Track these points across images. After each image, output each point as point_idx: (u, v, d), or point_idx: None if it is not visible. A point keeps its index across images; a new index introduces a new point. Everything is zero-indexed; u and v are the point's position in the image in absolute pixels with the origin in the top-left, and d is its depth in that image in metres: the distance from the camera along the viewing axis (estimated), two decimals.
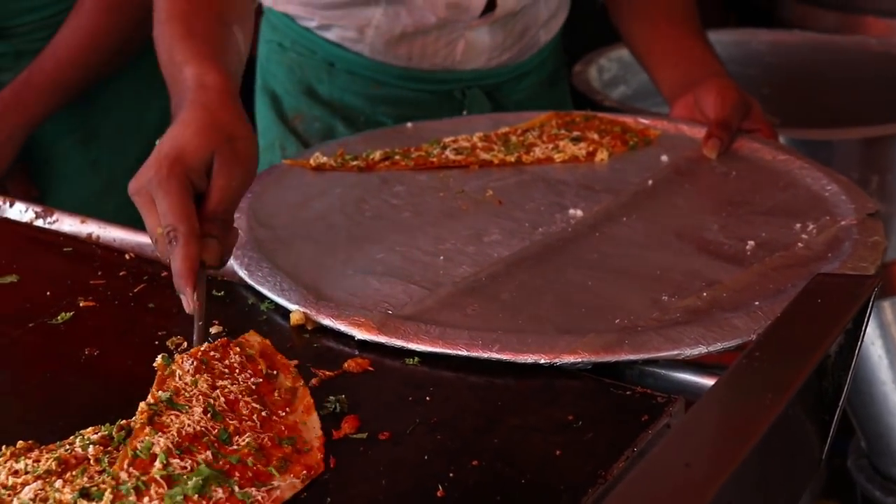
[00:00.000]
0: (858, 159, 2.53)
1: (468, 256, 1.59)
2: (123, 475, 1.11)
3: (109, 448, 1.19)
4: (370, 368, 1.35)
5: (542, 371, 1.32)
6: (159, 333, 1.43)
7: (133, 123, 2.59)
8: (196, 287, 1.38)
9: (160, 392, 1.24)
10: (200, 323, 1.39)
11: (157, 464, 1.12)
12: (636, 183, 1.84)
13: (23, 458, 1.18)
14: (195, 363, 1.28)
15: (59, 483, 1.13)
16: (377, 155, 1.92)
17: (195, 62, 1.58)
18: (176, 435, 1.16)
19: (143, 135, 2.60)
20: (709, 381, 1.30)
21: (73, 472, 1.15)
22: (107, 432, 1.21)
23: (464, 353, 1.34)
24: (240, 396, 1.25)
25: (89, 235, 1.72)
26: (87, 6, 2.40)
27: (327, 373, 1.34)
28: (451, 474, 1.15)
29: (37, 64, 2.38)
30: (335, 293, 1.49)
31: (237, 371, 1.29)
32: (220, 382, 1.26)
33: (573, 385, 1.30)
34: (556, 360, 1.32)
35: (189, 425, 1.18)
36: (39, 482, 1.14)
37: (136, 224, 1.54)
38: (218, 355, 1.31)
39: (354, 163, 1.90)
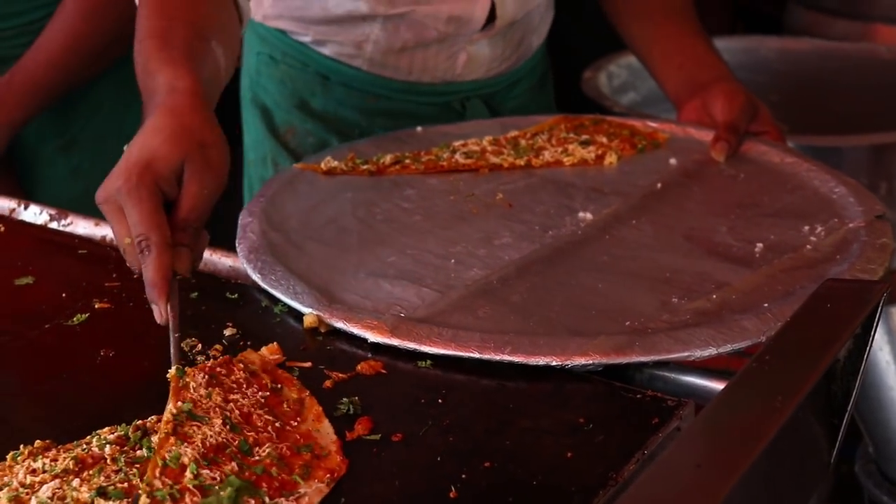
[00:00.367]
0: (867, 166, 2.54)
1: (479, 259, 1.60)
2: (157, 483, 1.12)
3: (126, 448, 1.21)
4: (383, 371, 1.36)
5: (553, 374, 1.33)
6: (175, 336, 1.44)
7: (114, 131, 2.59)
8: (168, 298, 1.37)
9: (181, 403, 1.24)
10: (177, 335, 1.38)
11: (188, 474, 1.13)
12: (645, 186, 1.85)
13: (40, 457, 1.19)
14: (206, 377, 1.29)
15: (76, 482, 1.15)
16: (387, 159, 1.93)
17: (168, 69, 1.56)
18: (201, 446, 1.17)
19: (124, 142, 2.58)
20: (717, 385, 1.31)
21: (91, 472, 1.17)
22: (123, 432, 1.23)
23: (476, 355, 1.35)
24: (252, 409, 1.26)
25: (104, 238, 1.74)
26: (68, 10, 2.41)
27: (340, 375, 1.35)
28: (463, 476, 1.16)
29: (18, 66, 2.39)
30: (348, 296, 1.50)
31: (244, 386, 1.30)
32: (231, 396, 1.27)
33: (584, 388, 1.31)
34: (568, 362, 1.33)
35: (211, 436, 1.19)
36: (57, 481, 1.15)
37: None
38: (224, 371, 1.32)
39: (365, 167, 1.91)
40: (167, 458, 1.15)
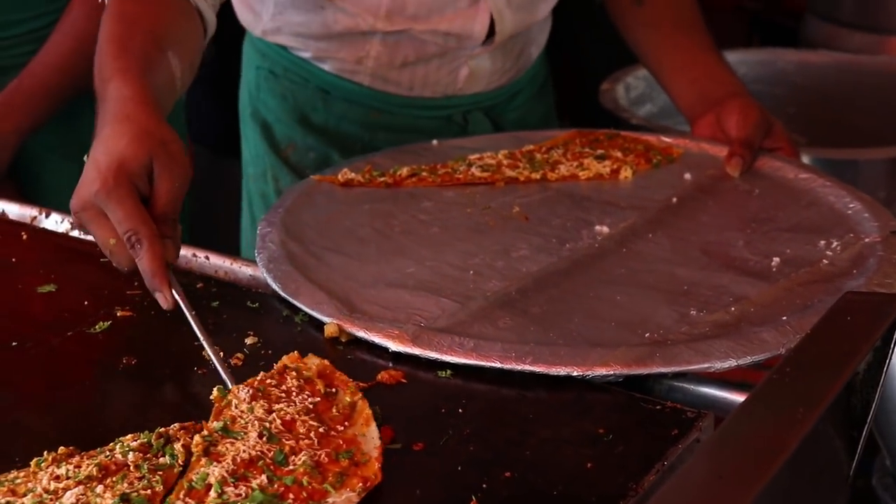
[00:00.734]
0: (885, 179, 2.54)
1: (497, 271, 1.61)
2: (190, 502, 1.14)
3: (148, 455, 1.21)
4: (403, 380, 1.37)
5: (574, 385, 1.34)
6: (195, 343, 1.45)
7: None
8: (171, 283, 1.44)
9: (214, 423, 1.26)
10: (193, 312, 1.43)
11: (212, 493, 1.14)
12: (660, 200, 1.85)
13: (64, 463, 1.20)
14: (251, 391, 1.30)
15: (99, 488, 1.16)
16: (404, 171, 1.94)
17: (119, 77, 1.60)
18: (231, 463, 1.18)
19: None
20: (736, 397, 1.32)
21: (114, 478, 1.17)
22: (146, 439, 1.24)
23: (497, 364, 1.36)
24: (297, 416, 1.26)
25: None
26: (75, 13, 2.41)
27: (361, 384, 1.35)
28: (483, 485, 1.17)
29: (26, 71, 2.39)
30: (368, 306, 1.51)
31: (294, 394, 1.30)
32: (276, 406, 1.28)
33: (604, 399, 1.32)
34: (589, 373, 1.34)
35: (244, 451, 1.20)
36: (81, 487, 1.16)
37: None
38: (274, 382, 1.32)
39: (382, 179, 1.92)
40: (194, 479, 1.17)
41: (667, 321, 1.46)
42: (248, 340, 1.46)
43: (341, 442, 1.23)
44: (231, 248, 1.68)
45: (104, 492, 1.15)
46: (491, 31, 2.16)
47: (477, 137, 2.16)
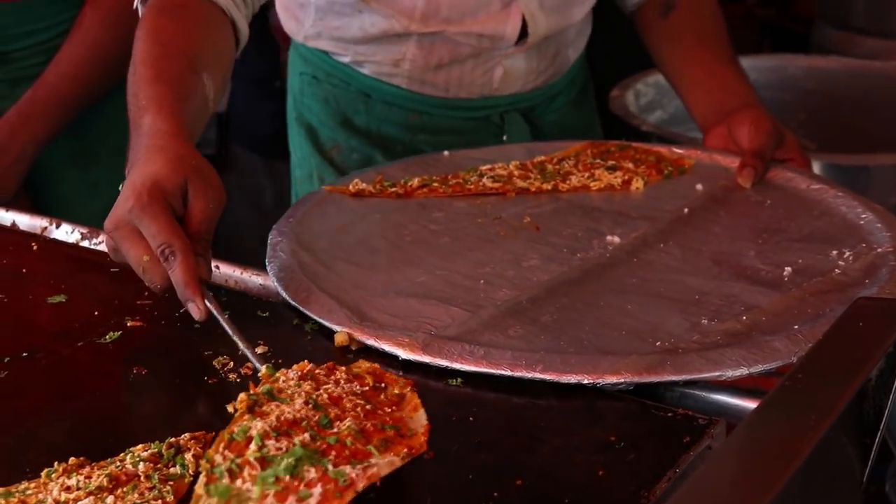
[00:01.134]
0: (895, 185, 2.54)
1: (508, 280, 1.61)
2: (218, 458, 1.12)
3: (159, 465, 1.21)
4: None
5: (584, 392, 1.34)
6: (206, 353, 1.45)
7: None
8: (203, 294, 1.45)
9: (261, 387, 1.25)
10: (226, 315, 1.46)
11: (252, 446, 1.12)
12: (672, 210, 1.85)
13: (74, 474, 1.20)
14: (300, 373, 1.29)
15: (110, 499, 1.16)
16: (415, 182, 1.94)
17: (153, 108, 1.64)
18: (274, 420, 1.17)
19: None
20: (748, 404, 1.32)
21: (124, 489, 1.17)
22: (156, 449, 1.24)
23: (507, 372, 1.36)
24: (344, 395, 1.24)
25: None
26: (88, 22, 2.42)
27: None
28: (495, 493, 1.16)
29: (41, 81, 2.40)
30: (378, 315, 1.51)
31: (343, 382, 1.28)
32: (324, 386, 1.26)
33: (615, 406, 1.32)
34: (599, 381, 1.33)
35: (289, 413, 1.18)
36: (91, 498, 1.16)
37: None
38: (323, 373, 1.30)
39: (393, 189, 1.92)
40: (235, 431, 1.15)
41: (678, 330, 1.46)
42: (259, 350, 1.46)
43: (388, 419, 1.21)
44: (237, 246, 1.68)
45: (114, 502, 1.15)
46: (524, 32, 2.18)
47: (488, 148, 2.16)
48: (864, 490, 1.28)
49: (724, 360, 1.35)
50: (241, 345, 1.42)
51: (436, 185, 1.94)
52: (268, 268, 1.64)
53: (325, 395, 1.23)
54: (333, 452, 1.12)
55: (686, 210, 1.85)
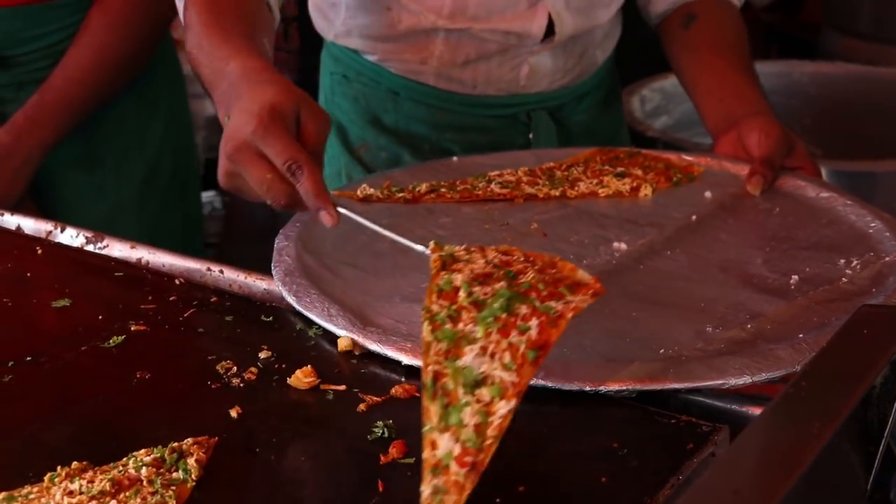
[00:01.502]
0: None
1: None
2: (435, 307, 1.24)
3: (162, 469, 1.22)
4: (417, 394, 1.36)
5: (587, 399, 1.33)
6: (209, 357, 1.46)
7: (136, 147, 2.61)
8: (333, 202, 1.55)
9: (444, 250, 1.37)
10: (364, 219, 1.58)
11: (462, 293, 1.25)
12: (680, 218, 1.84)
13: (77, 478, 1.20)
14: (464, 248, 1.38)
15: (112, 503, 1.15)
16: (423, 187, 1.94)
17: (240, 55, 1.70)
18: (470, 273, 1.28)
19: (146, 157, 2.62)
20: (752, 410, 1.31)
21: (127, 493, 1.18)
22: (159, 454, 1.24)
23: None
24: (511, 260, 1.33)
25: (139, 260, 1.75)
26: (94, 26, 2.43)
27: (375, 398, 1.35)
28: (497, 500, 1.16)
29: (47, 85, 2.40)
30: (382, 320, 1.51)
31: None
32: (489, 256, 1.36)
33: (618, 413, 1.31)
34: (601, 388, 1.33)
35: (478, 268, 1.29)
36: (94, 502, 1.17)
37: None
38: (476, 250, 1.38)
39: (400, 194, 1.92)
40: (440, 283, 1.28)
41: (682, 337, 1.46)
42: (262, 354, 1.46)
43: (557, 274, 1.30)
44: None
45: None
46: (550, 31, 2.19)
47: (497, 154, 2.15)
48: (869, 498, 1.28)
49: (728, 369, 1.34)
50: (391, 235, 1.55)
51: (444, 190, 1.94)
52: (273, 272, 1.64)
53: (497, 259, 1.34)
54: (533, 293, 1.24)
55: (694, 217, 1.84)
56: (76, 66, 2.40)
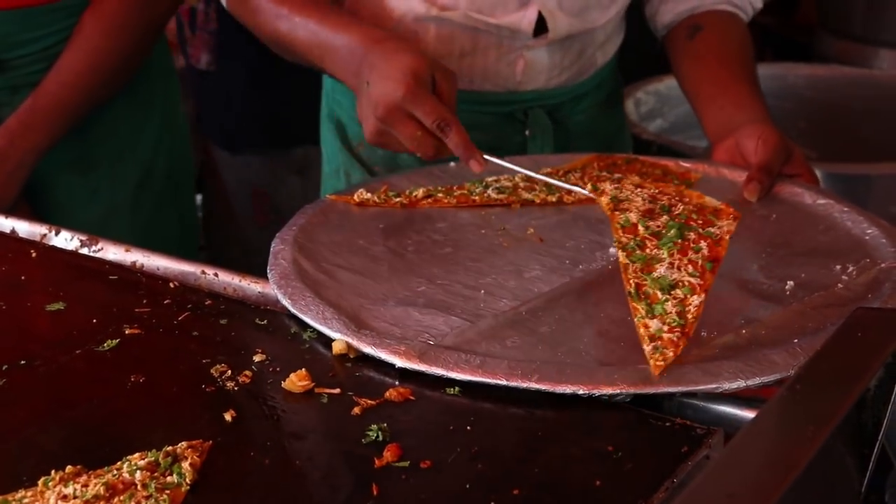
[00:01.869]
0: None
1: (509, 291, 1.60)
2: (624, 239, 1.62)
3: (156, 473, 1.22)
4: (411, 398, 1.37)
5: (582, 402, 1.33)
6: (203, 361, 1.45)
7: (130, 149, 2.61)
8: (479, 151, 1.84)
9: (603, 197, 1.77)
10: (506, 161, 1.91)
11: (640, 227, 1.64)
12: None
13: (71, 482, 1.20)
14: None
15: None
16: (420, 192, 1.94)
17: (353, 24, 1.99)
18: (637, 211, 1.68)
19: (140, 160, 2.62)
20: (747, 414, 1.31)
21: (121, 497, 1.18)
22: (153, 458, 1.24)
23: (503, 382, 1.35)
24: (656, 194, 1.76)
25: (133, 264, 1.75)
26: (88, 30, 2.42)
27: (369, 402, 1.35)
28: (492, 503, 1.16)
29: (41, 89, 2.40)
30: (377, 323, 1.51)
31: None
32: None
33: (612, 416, 1.31)
34: (595, 392, 1.33)
35: (638, 206, 1.70)
36: None
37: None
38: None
39: (397, 199, 1.92)
40: (620, 221, 1.66)
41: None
42: (257, 358, 1.46)
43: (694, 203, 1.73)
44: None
45: None
46: (544, 27, 2.19)
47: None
48: (864, 500, 1.28)
49: (722, 373, 1.34)
50: (530, 173, 1.90)
51: (440, 195, 1.94)
52: (269, 275, 1.64)
53: (648, 194, 1.75)
54: (692, 223, 1.64)
55: None
56: (70, 70, 2.40)
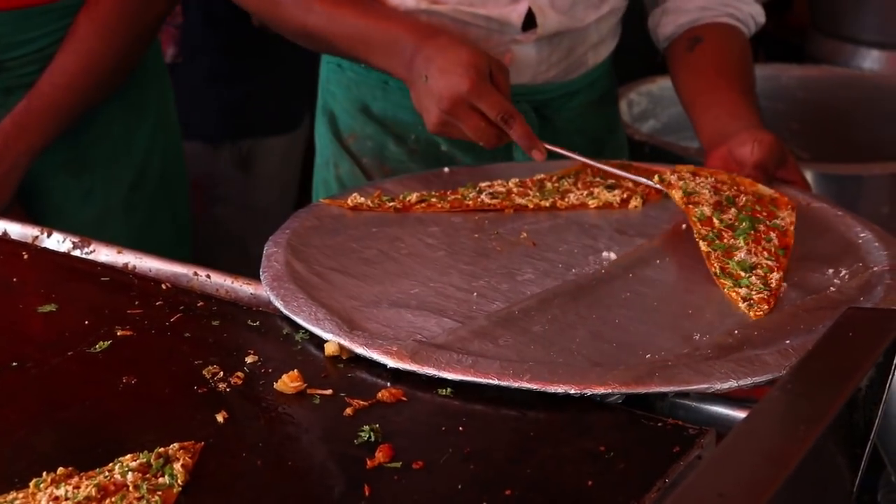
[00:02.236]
0: (889, 194, 2.53)
1: (501, 293, 1.60)
2: (703, 231, 1.74)
3: (148, 475, 1.21)
4: (404, 399, 1.37)
5: (574, 403, 1.33)
6: (196, 362, 1.45)
7: (123, 151, 2.60)
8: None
9: (677, 192, 1.86)
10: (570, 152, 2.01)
11: (715, 220, 1.75)
12: (669, 228, 1.84)
13: (63, 484, 1.20)
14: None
15: None
16: (413, 197, 1.94)
17: (395, 17, 2.08)
18: (709, 205, 1.78)
19: (133, 162, 2.62)
20: (740, 414, 1.31)
21: (113, 499, 1.18)
22: (145, 459, 1.24)
23: (495, 381, 1.36)
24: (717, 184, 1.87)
25: (126, 265, 1.75)
26: (82, 32, 2.42)
27: (361, 402, 1.35)
28: (484, 503, 1.16)
29: (35, 91, 2.39)
30: (369, 324, 1.51)
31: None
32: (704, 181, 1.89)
33: (605, 416, 1.31)
34: (587, 391, 1.33)
35: (708, 199, 1.80)
36: None
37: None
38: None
39: (391, 204, 1.92)
40: (696, 215, 1.77)
41: (668, 343, 1.46)
42: (249, 359, 1.46)
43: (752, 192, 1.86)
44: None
45: None
46: (533, 22, 2.20)
47: (488, 166, 2.15)
48: (856, 500, 1.28)
49: (714, 373, 1.34)
50: (592, 162, 2.02)
51: (434, 200, 1.94)
52: (261, 277, 1.64)
53: (710, 185, 1.86)
54: (758, 215, 1.78)
55: (684, 227, 1.84)
56: (64, 71, 2.39)
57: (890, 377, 1.21)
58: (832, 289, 1.62)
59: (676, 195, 1.83)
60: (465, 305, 1.57)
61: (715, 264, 1.66)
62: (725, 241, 1.71)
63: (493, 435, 1.29)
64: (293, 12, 2.11)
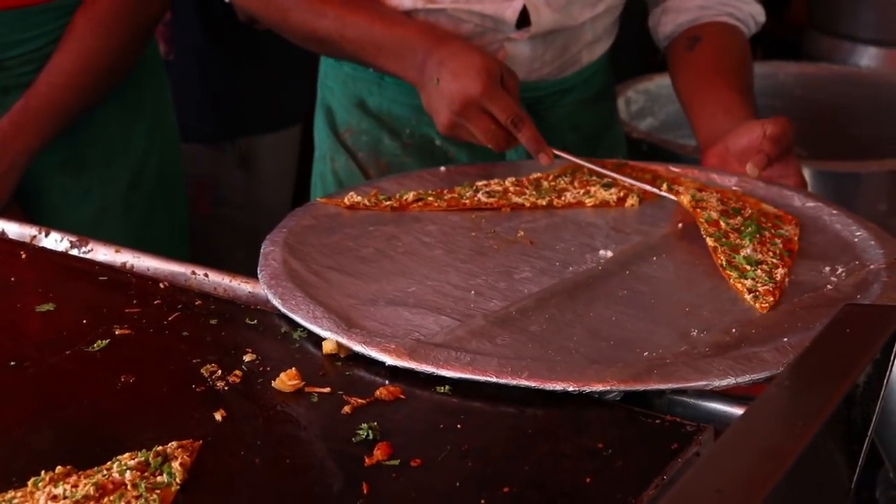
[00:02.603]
0: (886, 191, 2.53)
1: (499, 291, 1.61)
2: (710, 230, 1.76)
3: (146, 473, 1.21)
4: (402, 396, 1.37)
5: (572, 400, 1.33)
6: (193, 361, 1.45)
7: (121, 151, 2.61)
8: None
9: (685, 197, 1.88)
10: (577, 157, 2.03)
11: (722, 223, 1.77)
12: (666, 226, 1.85)
13: (61, 483, 1.20)
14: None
15: None
16: (410, 196, 1.94)
17: (404, 19, 2.12)
18: (716, 211, 1.81)
19: (131, 161, 2.62)
20: (738, 411, 1.31)
21: (111, 497, 1.18)
22: (143, 458, 1.24)
23: (493, 379, 1.36)
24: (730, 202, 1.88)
25: (123, 264, 1.75)
26: (79, 31, 2.42)
27: (359, 400, 1.35)
28: (482, 501, 1.16)
29: (32, 90, 2.39)
30: (367, 322, 1.51)
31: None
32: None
33: (603, 413, 1.31)
34: (585, 388, 1.33)
35: (715, 206, 1.82)
36: None
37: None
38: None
39: (388, 203, 1.92)
40: (704, 218, 1.79)
41: (666, 341, 1.46)
42: (247, 357, 1.46)
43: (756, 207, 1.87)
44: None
45: None
46: (527, 20, 2.21)
47: (486, 165, 2.15)
48: (854, 496, 1.28)
49: (711, 370, 1.34)
50: (597, 168, 2.02)
51: (431, 199, 1.94)
52: (259, 275, 1.64)
53: (718, 197, 1.87)
54: (763, 224, 1.79)
55: (680, 225, 1.84)
56: (61, 71, 2.40)
57: (887, 373, 1.21)
58: (829, 286, 1.62)
59: (684, 200, 1.86)
60: (463, 304, 1.57)
61: (721, 257, 1.68)
62: (732, 240, 1.73)
63: (491, 432, 1.29)
64: (304, 17, 2.13)
